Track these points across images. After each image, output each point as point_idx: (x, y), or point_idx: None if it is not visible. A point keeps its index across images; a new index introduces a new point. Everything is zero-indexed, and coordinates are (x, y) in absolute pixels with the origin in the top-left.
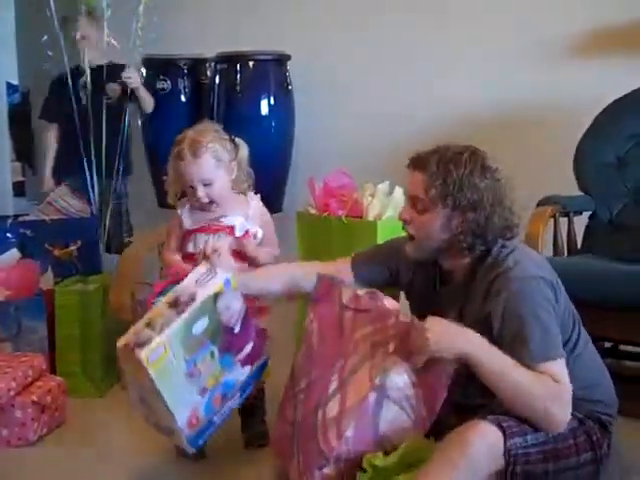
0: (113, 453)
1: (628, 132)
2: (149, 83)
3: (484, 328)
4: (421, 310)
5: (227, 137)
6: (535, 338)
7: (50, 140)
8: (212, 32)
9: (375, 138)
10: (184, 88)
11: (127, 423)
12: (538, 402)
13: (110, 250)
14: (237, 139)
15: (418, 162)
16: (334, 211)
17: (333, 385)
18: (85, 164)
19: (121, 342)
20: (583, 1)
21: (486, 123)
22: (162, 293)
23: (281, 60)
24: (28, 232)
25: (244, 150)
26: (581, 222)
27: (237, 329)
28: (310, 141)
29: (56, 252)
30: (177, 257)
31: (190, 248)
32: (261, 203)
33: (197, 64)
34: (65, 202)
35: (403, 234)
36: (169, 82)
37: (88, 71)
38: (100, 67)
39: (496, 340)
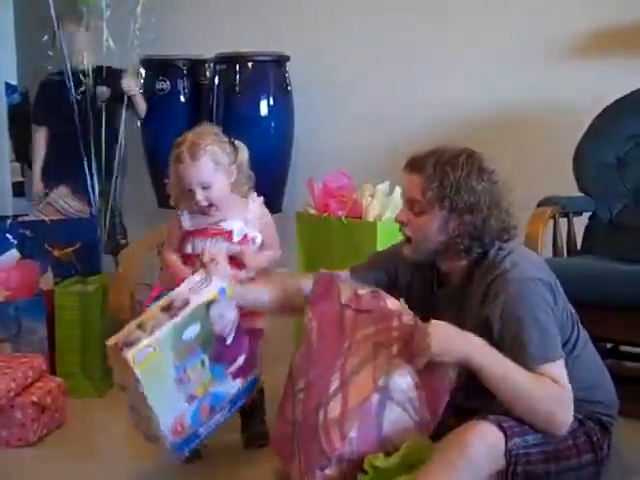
0: (113, 453)
1: (628, 132)
2: (148, 84)
3: (484, 332)
4: (419, 312)
5: (227, 140)
6: (534, 340)
7: (39, 143)
8: (211, 33)
9: (374, 138)
10: (183, 89)
11: (127, 423)
12: (540, 404)
13: (105, 251)
14: (237, 142)
15: (415, 164)
16: (334, 211)
17: (334, 385)
18: (85, 165)
19: (111, 341)
20: (582, 1)
21: (485, 123)
22: (158, 298)
23: (280, 61)
24: (28, 232)
25: (244, 153)
26: (581, 223)
27: (229, 340)
28: (309, 141)
29: (56, 253)
30: (176, 258)
31: (188, 249)
32: (262, 205)
33: (196, 65)
34: (65, 203)
35: (402, 235)
36: (168, 83)
37: (91, 73)
38: (89, 69)
39: (496, 343)
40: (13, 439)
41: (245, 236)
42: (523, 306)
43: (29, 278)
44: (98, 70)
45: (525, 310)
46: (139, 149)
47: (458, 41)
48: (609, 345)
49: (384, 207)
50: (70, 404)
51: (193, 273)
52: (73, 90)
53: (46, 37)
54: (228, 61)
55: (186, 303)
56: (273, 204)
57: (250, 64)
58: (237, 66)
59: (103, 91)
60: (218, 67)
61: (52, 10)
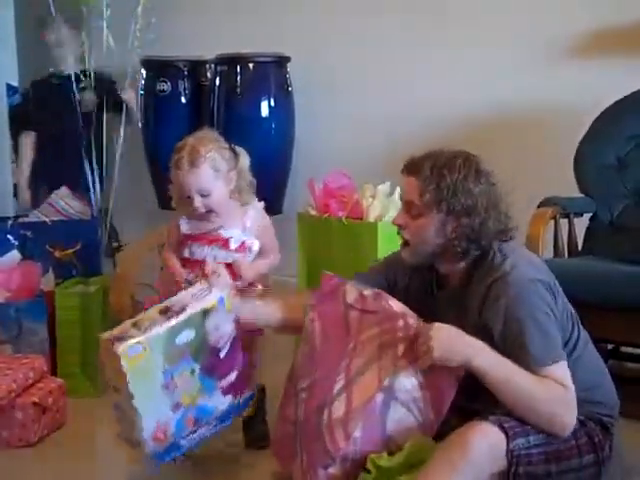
0: (113, 453)
1: (628, 133)
2: (149, 85)
3: (484, 334)
4: (419, 315)
5: (227, 146)
6: (535, 342)
7: (26, 149)
8: (212, 34)
9: (375, 139)
10: (184, 90)
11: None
12: (543, 406)
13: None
14: (237, 148)
15: (412, 167)
16: (334, 212)
17: (339, 385)
18: (86, 167)
19: (104, 335)
20: (582, 2)
21: (485, 124)
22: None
23: (281, 62)
24: (29, 233)
25: (244, 159)
26: (582, 223)
27: (223, 353)
28: (310, 142)
29: (57, 253)
30: (175, 260)
31: (186, 254)
32: (262, 211)
33: (197, 66)
34: (66, 204)
35: (400, 238)
36: (169, 84)
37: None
38: (76, 74)
39: (497, 346)
40: (14, 439)
41: (242, 244)
42: (523, 308)
43: (30, 279)
44: (83, 75)
45: (526, 312)
46: (139, 150)
47: (458, 41)
48: (610, 346)
49: (385, 208)
50: (71, 404)
51: (189, 275)
52: (75, 92)
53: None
54: (229, 62)
55: (183, 308)
56: (274, 205)
57: (251, 65)
58: (238, 67)
59: (89, 98)
60: (219, 68)
61: (52, 9)
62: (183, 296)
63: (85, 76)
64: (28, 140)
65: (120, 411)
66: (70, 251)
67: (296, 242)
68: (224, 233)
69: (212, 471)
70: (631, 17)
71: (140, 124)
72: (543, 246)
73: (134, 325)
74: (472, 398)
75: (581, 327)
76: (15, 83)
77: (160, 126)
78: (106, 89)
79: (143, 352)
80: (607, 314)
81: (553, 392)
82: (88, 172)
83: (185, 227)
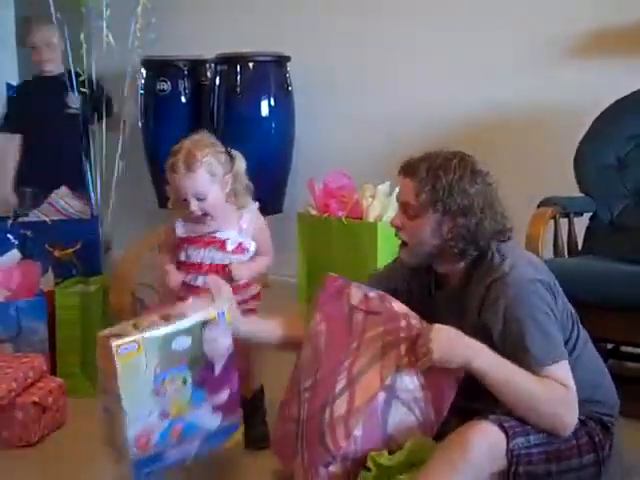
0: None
1: (628, 133)
2: (149, 84)
3: (483, 335)
4: (420, 316)
5: (223, 150)
6: (536, 342)
7: (11, 152)
8: (212, 33)
9: (375, 139)
10: (184, 89)
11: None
12: (544, 407)
13: None
14: (233, 151)
15: (408, 169)
16: (334, 212)
17: (341, 384)
18: (87, 166)
19: (103, 332)
20: (582, 2)
21: (486, 124)
22: None
23: (281, 61)
24: (28, 233)
25: (240, 162)
26: (582, 223)
27: (218, 369)
28: (310, 142)
29: (56, 253)
30: (170, 265)
31: (182, 257)
32: (257, 212)
33: (197, 65)
34: (66, 203)
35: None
36: (169, 83)
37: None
38: (61, 75)
39: (497, 346)
40: (14, 439)
41: (239, 245)
42: (523, 308)
43: (30, 279)
44: (70, 75)
45: (525, 312)
46: (139, 149)
47: (458, 41)
48: (610, 345)
49: (385, 207)
50: (71, 404)
51: (187, 277)
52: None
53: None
54: (229, 61)
55: (184, 316)
56: (274, 205)
57: (251, 64)
58: (238, 66)
59: (73, 98)
60: (219, 67)
61: (52, 9)
62: (185, 306)
63: (71, 77)
64: (13, 144)
65: (108, 414)
66: (70, 250)
67: (296, 242)
68: (221, 235)
69: (212, 470)
70: (631, 17)
71: (140, 124)
72: (543, 246)
73: (134, 326)
74: (472, 398)
75: (581, 327)
76: (15, 83)
77: (160, 126)
78: (93, 90)
79: (137, 351)
80: (607, 314)
81: (554, 392)
82: (88, 172)
83: (181, 230)
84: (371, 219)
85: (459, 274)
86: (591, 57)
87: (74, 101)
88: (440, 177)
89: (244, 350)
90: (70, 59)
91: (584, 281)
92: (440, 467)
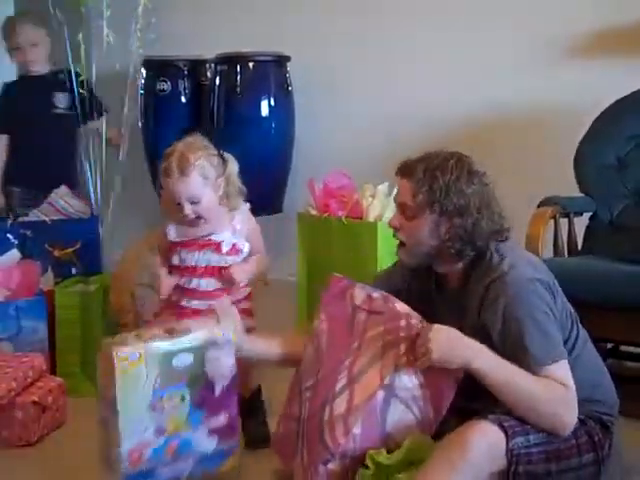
0: None
1: (628, 133)
2: (149, 84)
3: (483, 335)
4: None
5: (215, 153)
6: (535, 342)
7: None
8: (212, 33)
9: (375, 139)
10: (184, 89)
11: None
12: (544, 407)
13: None
14: (225, 154)
15: (405, 169)
16: (334, 212)
17: (341, 382)
18: (86, 165)
19: (106, 340)
20: (583, 2)
21: (486, 124)
22: None
23: (281, 61)
24: (28, 232)
25: (233, 165)
26: (582, 223)
27: (218, 390)
28: (310, 142)
29: (56, 252)
30: (163, 268)
31: (175, 261)
32: (248, 212)
33: (197, 65)
34: (65, 202)
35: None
36: (169, 83)
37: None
38: (48, 75)
39: (496, 346)
40: (14, 439)
41: (233, 246)
42: (522, 307)
43: (30, 278)
44: (54, 75)
45: (525, 311)
46: (139, 149)
47: (458, 41)
48: (609, 345)
49: (385, 207)
50: (70, 404)
51: (181, 280)
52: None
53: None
54: (229, 61)
55: (189, 332)
56: (274, 204)
57: (251, 64)
58: (238, 66)
59: (60, 98)
60: (219, 67)
61: (50, 8)
62: (191, 323)
63: (58, 76)
64: (0, 142)
65: (104, 425)
66: (70, 250)
67: (296, 242)
68: (216, 237)
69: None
70: (631, 17)
71: (140, 124)
72: (543, 245)
73: (137, 336)
74: (471, 398)
75: (580, 326)
76: None
77: (160, 126)
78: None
79: (138, 361)
80: (607, 313)
81: (554, 392)
82: (88, 171)
83: (173, 234)
84: (371, 219)
85: (458, 274)
86: (591, 57)
87: (62, 101)
88: (437, 178)
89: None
90: (70, 59)
91: (584, 281)
92: (439, 467)
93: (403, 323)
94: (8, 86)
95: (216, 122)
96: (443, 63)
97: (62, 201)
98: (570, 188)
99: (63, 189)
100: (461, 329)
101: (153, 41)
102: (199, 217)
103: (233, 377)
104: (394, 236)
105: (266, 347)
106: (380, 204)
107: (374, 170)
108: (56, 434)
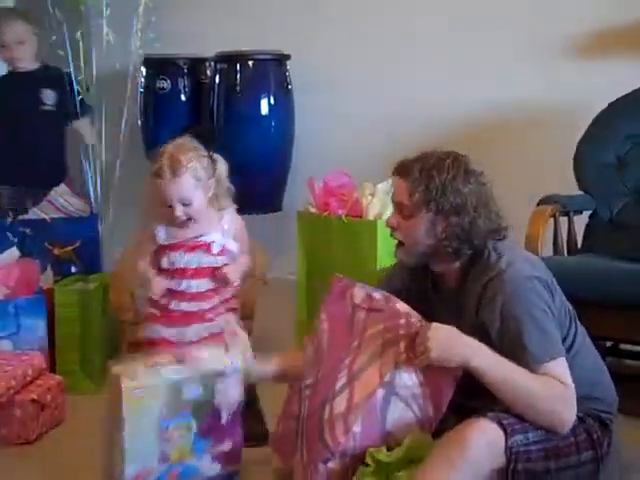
0: None
1: (628, 132)
2: (149, 83)
3: (481, 333)
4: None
5: (205, 154)
6: (533, 340)
7: None
8: (212, 31)
9: (374, 137)
10: (184, 88)
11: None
12: (543, 404)
13: None
14: (215, 155)
15: (401, 169)
16: (334, 210)
17: (341, 381)
18: (85, 164)
19: (115, 368)
20: (583, 2)
21: (486, 124)
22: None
23: (281, 60)
24: (28, 231)
25: (222, 166)
26: (581, 221)
27: (224, 419)
28: (310, 140)
29: (56, 251)
30: (152, 270)
31: (164, 264)
32: (234, 212)
33: (197, 64)
34: (65, 201)
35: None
36: (169, 82)
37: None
38: (37, 71)
39: (495, 344)
40: (13, 436)
41: (223, 247)
42: (520, 305)
43: (29, 276)
44: (42, 71)
45: (523, 309)
46: (139, 148)
47: (458, 41)
48: (609, 343)
49: (384, 206)
50: (70, 402)
51: (172, 283)
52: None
53: (54, 37)
54: (229, 60)
55: (199, 364)
56: (274, 203)
57: (251, 63)
58: (238, 65)
59: (48, 94)
60: (219, 66)
61: (49, 7)
62: (202, 351)
63: (49, 71)
64: None
65: (109, 441)
66: (69, 248)
67: (296, 240)
68: (206, 238)
69: None
70: (631, 17)
71: (140, 122)
72: (543, 244)
73: (147, 365)
74: (470, 396)
75: (579, 324)
76: None
77: (160, 124)
78: (64, 87)
79: (147, 396)
80: (606, 312)
81: (552, 390)
82: (87, 170)
83: (162, 237)
84: (371, 217)
85: (455, 274)
86: (591, 57)
87: (49, 97)
88: (433, 177)
89: None
90: (70, 58)
91: (584, 279)
92: (438, 464)
93: (403, 321)
94: None
95: (216, 120)
96: (443, 63)
97: (61, 199)
98: (569, 187)
99: (62, 187)
100: (459, 328)
101: (153, 40)
102: (189, 218)
103: (239, 405)
104: (391, 235)
105: (276, 369)
106: (380, 203)
107: (374, 169)
108: (55, 432)
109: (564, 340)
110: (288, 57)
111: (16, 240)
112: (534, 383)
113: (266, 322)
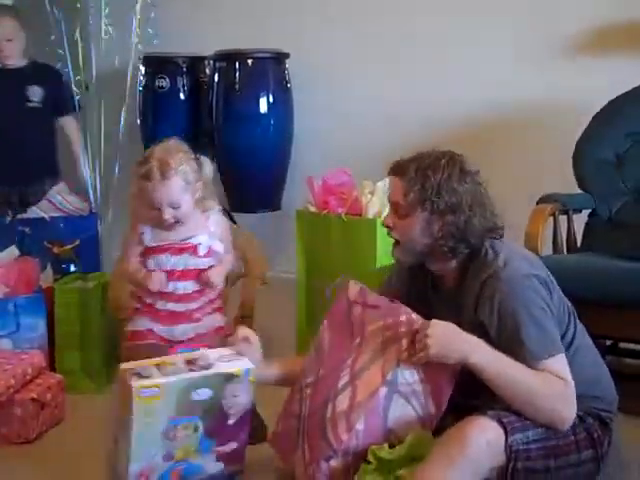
0: None
1: (627, 130)
2: (148, 81)
3: (480, 331)
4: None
5: (193, 156)
6: (532, 337)
7: None
8: (211, 30)
9: (374, 136)
10: (183, 86)
11: None
12: (542, 401)
13: None
14: (202, 157)
15: (397, 169)
16: (333, 209)
17: (344, 380)
18: (85, 163)
19: (126, 366)
20: (583, 2)
21: (486, 123)
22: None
23: (280, 58)
24: (27, 229)
25: (209, 168)
26: (581, 220)
27: (231, 422)
28: (309, 139)
29: (55, 250)
30: (142, 271)
31: (151, 265)
32: (220, 214)
33: (196, 62)
34: (64, 200)
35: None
36: (168, 80)
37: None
38: (25, 67)
39: (494, 342)
40: (13, 435)
41: (210, 249)
42: (518, 303)
43: (28, 275)
44: (30, 68)
45: (521, 307)
46: (138, 147)
47: (459, 41)
48: (609, 342)
49: (384, 204)
50: (69, 400)
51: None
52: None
53: (53, 37)
54: (228, 58)
55: (209, 366)
56: (273, 201)
57: (250, 61)
58: (237, 63)
59: (35, 91)
60: (218, 64)
61: (47, 6)
62: (212, 353)
63: (37, 69)
64: None
65: (116, 443)
66: (69, 247)
67: (295, 239)
68: (194, 240)
69: None
70: (631, 16)
71: (139, 120)
72: (542, 242)
73: (157, 365)
74: (470, 395)
75: (578, 321)
76: None
77: (159, 122)
78: (54, 84)
79: (157, 395)
80: (606, 310)
81: (552, 386)
82: (87, 170)
83: (149, 238)
84: (370, 216)
85: (453, 273)
86: (591, 56)
87: (36, 94)
88: (429, 176)
89: None
90: (68, 56)
91: (583, 278)
92: (438, 462)
93: (403, 318)
94: None
95: (215, 119)
96: (443, 63)
97: (59, 197)
98: (569, 186)
99: (61, 185)
100: (459, 327)
101: (152, 36)
102: (177, 221)
103: (247, 411)
104: (388, 235)
105: (278, 373)
106: (379, 201)
107: (373, 167)
108: (55, 431)
109: (563, 337)
110: (287, 55)
111: (16, 239)
112: (534, 380)
113: (266, 320)
